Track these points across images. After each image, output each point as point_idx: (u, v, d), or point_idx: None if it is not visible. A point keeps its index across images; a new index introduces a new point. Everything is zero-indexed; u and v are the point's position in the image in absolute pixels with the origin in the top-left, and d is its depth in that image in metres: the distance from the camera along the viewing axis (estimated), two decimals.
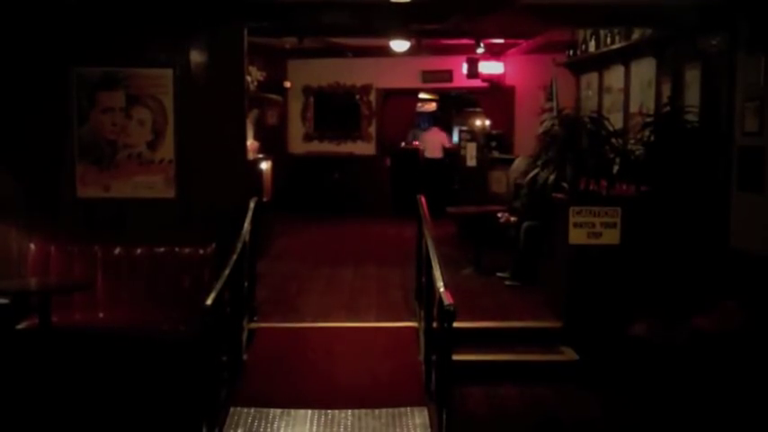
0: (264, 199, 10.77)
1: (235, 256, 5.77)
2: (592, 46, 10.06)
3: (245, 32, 7.00)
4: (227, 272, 5.42)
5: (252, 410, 5.49)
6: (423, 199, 7.16)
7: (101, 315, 6.50)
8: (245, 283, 6.49)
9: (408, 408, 5.56)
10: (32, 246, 6.63)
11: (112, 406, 5.81)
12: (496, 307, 7.49)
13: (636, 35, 8.58)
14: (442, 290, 5.06)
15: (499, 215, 9.02)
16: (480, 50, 12.23)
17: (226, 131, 6.89)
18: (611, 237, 6.74)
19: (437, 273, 5.42)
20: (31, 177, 6.73)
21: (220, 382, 5.41)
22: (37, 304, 5.92)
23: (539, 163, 7.14)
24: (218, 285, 5.11)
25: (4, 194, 6.67)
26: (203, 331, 4.81)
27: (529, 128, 11.25)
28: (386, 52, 12.71)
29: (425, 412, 5.47)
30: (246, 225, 6.41)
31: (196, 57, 6.77)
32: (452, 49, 12.93)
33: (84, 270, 6.59)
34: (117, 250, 6.68)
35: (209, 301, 4.81)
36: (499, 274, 8.52)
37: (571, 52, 10.90)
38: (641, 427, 5.66)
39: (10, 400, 5.55)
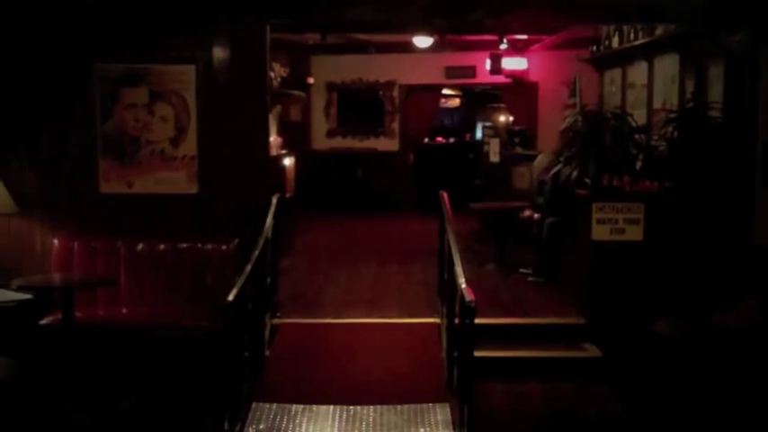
0: (287, 195, 10.79)
1: (257, 252, 5.78)
2: (615, 42, 9.99)
3: (268, 28, 7.01)
4: (249, 268, 5.43)
5: (274, 406, 5.50)
6: (445, 195, 7.14)
7: (124, 311, 6.54)
8: (268, 279, 6.50)
9: (430, 404, 5.55)
10: (56, 241, 6.68)
11: (135, 401, 5.86)
12: (519, 303, 7.47)
13: (659, 31, 8.50)
14: (463, 286, 5.05)
15: (522, 211, 8.99)
16: (504, 46, 12.18)
17: (248, 127, 6.90)
18: (635, 233, 6.69)
19: (459, 269, 5.40)
20: (56, 173, 6.78)
21: (242, 377, 5.41)
22: (60, 299, 5.96)
23: (561, 159, 7.11)
24: (240, 281, 5.12)
25: (28, 190, 6.73)
26: (225, 327, 4.82)
27: (552, 124, 11.17)
28: (409, 48, 12.69)
29: (447, 408, 5.46)
30: (269, 221, 6.42)
31: (219, 53, 6.78)
32: (476, 44, 12.88)
33: (107, 265, 6.63)
34: (140, 246, 6.71)
35: (230, 297, 4.82)
36: (522, 271, 8.49)
37: (594, 48, 10.82)
38: (664, 424, 5.62)
39: (33, 395, 5.59)
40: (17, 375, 4.29)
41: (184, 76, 6.76)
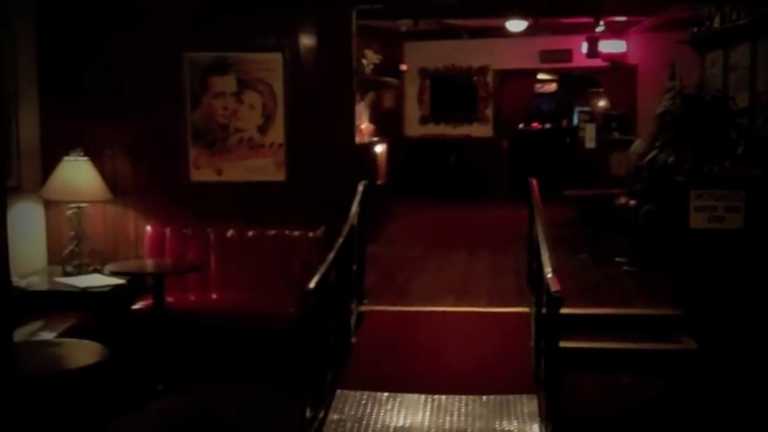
0: (379, 182, 10.79)
1: (341, 240, 5.76)
2: (717, 22, 9.58)
3: (354, 15, 6.96)
4: (332, 255, 5.41)
5: (358, 393, 5.46)
6: (535, 182, 6.99)
7: (213, 296, 6.62)
8: (354, 267, 6.48)
9: (517, 395, 5.43)
10: (149, 228, 6.81)
11: (222, 386, 5.94)
12: (613, 293, 7.26)
13: (764, 10, 8.10)
14: (549, 276, 4.92)
15: (618, 198, 8.74)
16: (600, 28, 11.85)
17: (334, 115, 6.87)
18: (735, 221, 6.40)
19: (546, 258, 5.27)
20: (148, 161, 6.91)
21: (326, 364, 5.41)
22: (152, 285, 6.07)
23: (657, 144, 6.86)
24: (322, 269, 5.10)
25: (122, 178, 6.87)
26: (306, 314, 4.81)
27: (652, 108, 10.74)
28: (503, 32, 12.48)
29: (535, 400, 5.33)
30: (354, 208, 6.39)
31: (305, 40, 6.78)
32: (571, 27, 12.60)
33: (197, 252, 6.72)
34: (229, 232, 6.78)
35: (311, 285, 4.80)
36: (617, 260, 8.26)
37: (695, 29, 10.41)
38: (763, 421, 5.36)
39: (123, 379, 5.71)
40: (107, 360, 4.36)
41: (271, 64, 6.78)
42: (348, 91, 6.98)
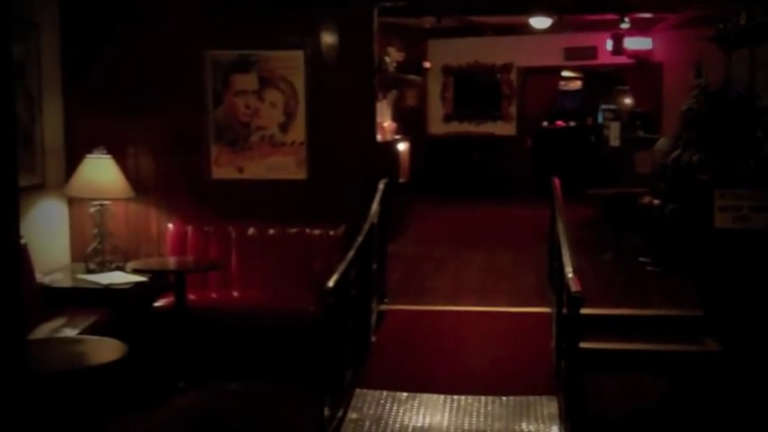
0: (401, 180, 10.76)
1: (360, 238, 5.75)
2: (743, 19, 9.45)
3: (376, 12, 6.94)
4: (351, 254, 5.41)
5: (377, 393, 5.45)
6: (557, 181, 6.94)
7: (235, 294, 6.64)
8: (374, 265, 6.47)
9: (538, 396, 5.39)
10: (171, 226, 6.84)
11: (242, 383, 5.95)
12: (636, 293, 7.20)
13: None
14: (570, 275, 4.89)
15: (642, 197, 8.66)
16: (625, 25, 11.76)
17: (356, 113, 6.85)
18: (760, 221, 6.32)
19: (566, 258, 5.24)
20: (170, 159, 6.93)
21: (345, 363, 5.40)
22: (174, 282, 6.10)
23: (681, 143, 6.79)
24: (342, 267, 5.09)
25: (145, 176, 6.91)
26: (325, 312, 4.81)
27: (677, 106, 10.68)
28: (526, 30, 12.42)
29: (555, 401, 5.30)
30: (374, 207, 6.38)
31: (327, 38, 6.77)
32: (596, 24, 12.50)
33: (219, 249, 6.75)
34: (250, 230, 6.79)
35: (330, 283, 4.80)
36: (641, 260, 8.19)
37: (721, 26, 10.28)
38: None
39: (144, 376, 5.75)
40: (127, 356, 4.39)
41: (293, 62, 6.78)
42: (369, 89, 6.95)
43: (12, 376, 2.10)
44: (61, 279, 6.30)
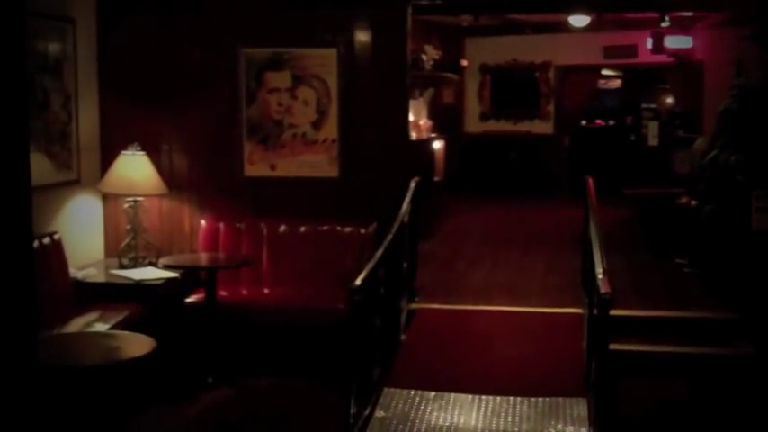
0: (436, 179, 10.72)
1: (390, 237, 5.73)
2: None
3: (410, 11, 6.92)
4: (379, 252, 5.39)
5: (404, 391, 5.42)
6: (591, 181, 6.87)
7: (266, 291, 6.67)
8: (405, 264, 6.45)
9: (567, 398, 5.33)
10: (203, 222, 6.89)
11: (272, 380, 5.98)
12: (671, 295, 7.08)
13: None
14: (600, 277, 4.83)
15: (679, 198, 8.54)
16: (665, 24, 11.60)
17: (388, 111, 6.84)
18: None
19: (597, 258, 5.17)
20: (204, 156, 6.99)
21: (373, 361, 5.39)
22: (205, 279, 6.14)
23: (717, 143, 6.67)
24: (369, 266, 5.08)
25: (178, 173, 6.97)
26: (351, 311, 4.80)
27: (718, 106, 10.57)
28: (565, 28, 12.32)
29: (585, 404, 5.24)
30: (405, 205, 6.36)
31: (360, 36, 6.77)
32: (636, 23, 12.35)
33: (250, 246, 6.78)
34: (282, 228, 6.82)
35: (357, 282, 4.79)
36: (678, 261, 8.07)
37: (757, 24, 10.09)
38: None
39: (174, 371, 5.80)
40: (155, 352, 4.42)
41: (326, 60, 6.79)
42: (402, 87, 6.93)
43: (21, 372, 2.11)
44: (95, 274, 6.36)
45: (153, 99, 6.92)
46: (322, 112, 6.84)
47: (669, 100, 14.37)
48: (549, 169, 13.82)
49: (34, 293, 2.14)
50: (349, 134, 6.83)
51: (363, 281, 4.84)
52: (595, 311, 5.05)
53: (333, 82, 6.80)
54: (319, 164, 6.88)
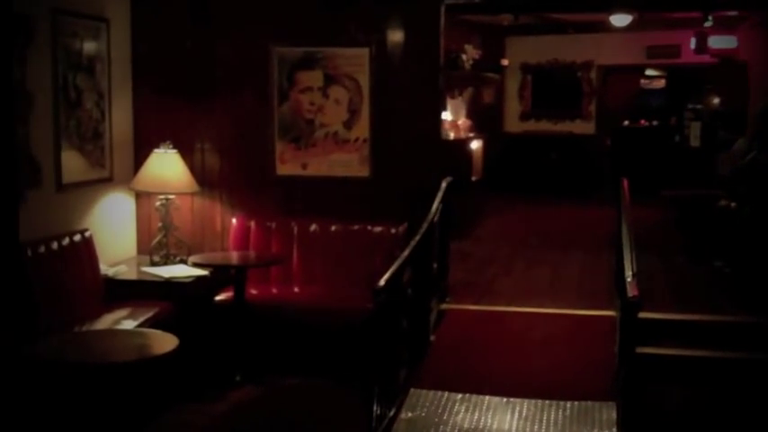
0: (474, 178, 10.67)
1: (418, 237, 5.68)
2: None
3: (443, 10, 6.86)
4: (406, 252, 5.34)
5: (432, 393, 5.37)
6: (626, 183, 6.76)
7: (296, 289, 6.67)
8: (435, 264, 6.40)
9: (597, 402, 5.24)
10: (234, 221, 6.91)
11: (300, 379, 5.97)
12: (709, 298, 6.96)
13: None
14: (628, 280, 4.74)
15: (719, 200, 8.38)
16: (708, 23, 11.41)
17: (421, 110, 6.80)
18: None
19: (627, 261, 5.07)
20: (235, 155, 7.01)
21: (400, 362, 5.35)
22: (235, 277, 6.15)
23: (756, 144, 6.53)
24: (395, 266, 5.03)
25: (210, 171, 6.99)
26: (375, 311, 4.77)
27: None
28: (607, 27, 12.18)
29: (614, 408, 5.15)
30: (435, 205, 6.30)
31: (393, 35, 6.74)
32: (679, 22, 12.19)
33: (281, 245, 6.78)
34: (312, 227, 6.81)
35: (381, 282, 4.75)
36: (717, 264, 7.92)
37: None
38: None
39: (201, 369, 5.82)
40: (179, 350, 4.43)
41: (358, 59, 6.76)
42: (435, 86, 6.88)
43: (14, 366, 2.12)
44: (125, 271, 6.41)
45: (185, 97, 6.95)
46: (353, 112, 6.82)
47: (716, 100, 14.13)
48: (590, 169, 13.67)
49: (31, 296, 2.14)
50: (380, 134, 6.80)
51: (387, 281, 4.80)
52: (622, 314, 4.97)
53: (365, 81, 6.77)
54: (350, 163, 6.86)
